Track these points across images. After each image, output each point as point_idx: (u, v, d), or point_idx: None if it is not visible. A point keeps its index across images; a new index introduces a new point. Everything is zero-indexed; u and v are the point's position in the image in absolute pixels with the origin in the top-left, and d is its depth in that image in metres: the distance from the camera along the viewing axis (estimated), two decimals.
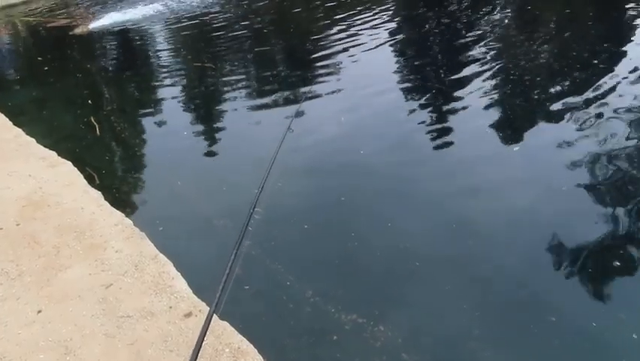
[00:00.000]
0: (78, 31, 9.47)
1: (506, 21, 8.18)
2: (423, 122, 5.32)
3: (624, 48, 6.40)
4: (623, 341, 2.72)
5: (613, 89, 5.33)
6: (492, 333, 2.89)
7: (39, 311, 2.66)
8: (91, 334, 2.52)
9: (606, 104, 5.06)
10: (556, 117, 4.96)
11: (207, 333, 2.46)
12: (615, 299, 3.03)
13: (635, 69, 5.71)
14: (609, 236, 3.49)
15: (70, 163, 4.07)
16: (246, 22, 9.40)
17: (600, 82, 5.56)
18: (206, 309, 2.63)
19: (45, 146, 4.47)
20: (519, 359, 2.70)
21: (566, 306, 2.99)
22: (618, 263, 3.26)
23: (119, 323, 2.57)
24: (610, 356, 2.69)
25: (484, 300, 3.13)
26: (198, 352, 2.07)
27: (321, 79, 6.60)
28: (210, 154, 5.22)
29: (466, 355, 2.80)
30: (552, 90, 5.57)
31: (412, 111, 5.56)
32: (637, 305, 2.94)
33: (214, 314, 2.58)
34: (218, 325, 2.52)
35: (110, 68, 8.20)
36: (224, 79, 7.12)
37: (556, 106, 5.15)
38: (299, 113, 5.69)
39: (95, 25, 9.83)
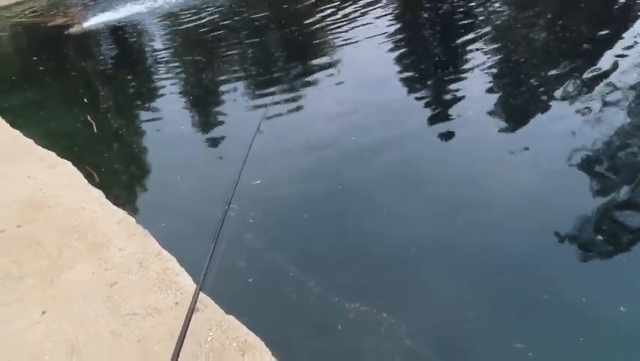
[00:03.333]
0: (73, 30, 9.26)
1: (503, 5, 8.05)
2: (419, 109, 5.24)
3: (620, 29, 6.29)
4: (612, 315, 2.72)
5: (610, 71, 5.24)
6: (488, 315, 2.88)
7: (43, 312, 2.58)
8: (96, 333, 2.45)
9: (605, 85, 4.98)
10: (554, 102, 4.88)
11: (214, 327, 2.43)
12: (603, 275, 3.03)
13: (632, 49, 5.62)
14: (599, 215, 3.47)
15: (69, 163, 3.96)
16: (238, 15, 9.22)
17: (598, 65, 5.48)
18: (211, 303, 2.56)
19: (43, 146, 4.35)
20: (513, 339, 2.67)
21: (556, 284, 2.99)
22: (602, 238, 3.26)
23: (124, 320, 2.49)
24: (600, 330, 2.69)
25: (479, 283, 3.11)
26: (183, 339, 2.01)
27: (313, 67, 6.50)
28: (208, 147, 5.12)
29: (464, 337, 2.78)
30: (550, 74, 5.48)
31: (409, 99, 5.47)
32: (624, 280, 2.95)
33: (205, 306, 2.55)
34: (225, 319, 2.46)
35: (105, 66, 8.05)
36: (218, 71, 7.01)
37: (554, 91, 5.06)
38: (289, 100, 5.60)
39: (89, 23, 9.62)
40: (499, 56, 6.16)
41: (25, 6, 11.33)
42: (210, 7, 9.89)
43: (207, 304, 2.54)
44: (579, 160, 4.02)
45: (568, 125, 4.46)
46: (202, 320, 2.44)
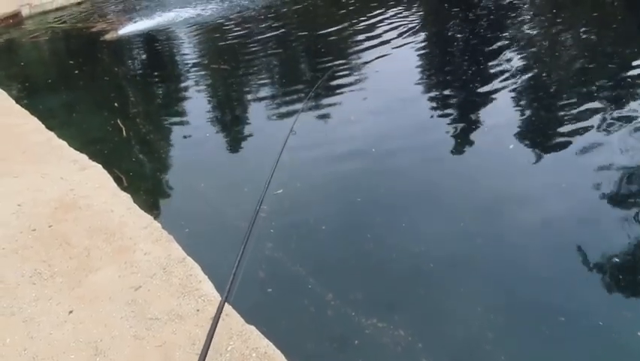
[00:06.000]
0: (108, 36, 9.39)
1: (533, 22, 7.95)
2: (441, 122, 5.20)
3: None
4: (629, 340, 2.67)
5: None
6: (505, 336, 2.85)
7: (70, 312, 2.58)
8: (120, 335, 2.44)
9: (634, 106, 4.90)
10: (583, 123, 4.80)
11: (234, 337, 2.41)
12: (620, 299, 3.00)
13: None
14: (618, 239, 3.41)
15: (100, 166, 3.99)
16: (267, 26, 9.27)
17: (629, 86, 5.39)
18: (232, 312, 2.54)
19: (75, 148, 4.40)
20: None
21: (574, 306, 2.95)
22: (618, 260, 3.21)
23: (147, 324, 2.49)
24: (617, 355, 2.64)
25: (497, 302, 3.08)
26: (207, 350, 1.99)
27: (337, 80, 6.47)
28: (232, 155, 5.15)
29: (482, 359, 2.72)
30: (579, 94, 5.42)
31: (432, 111, 5.44)
32: None
33: (230, 316, 2.52)
34: (245, 329, 2.43)
35: (136, 72, 8.15)
36: (244, 80, 7.01)
37: (583, 112, 5.00)
38: (312, 110, 5.59)
39: (124, 31, 9.76)
40: (526, 73, 6.09)
41: (65, 11, 11.55)
42: (242, 17, 9.95)
43: (228, 312, 2.52)
44: (601, 182, 3.95)
45: (594, 146, 4.40)
46: (223, 328, 2.42)
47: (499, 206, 3.86)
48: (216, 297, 2.62)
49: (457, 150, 4.72)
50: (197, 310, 2.55)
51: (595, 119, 4.80)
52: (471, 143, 4.78)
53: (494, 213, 3.80)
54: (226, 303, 2.57)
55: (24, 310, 2.59)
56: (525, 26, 7.80)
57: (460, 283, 3.19)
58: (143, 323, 2.50)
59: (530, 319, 2.90)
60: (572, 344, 2.73)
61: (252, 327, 2.44)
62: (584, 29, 7.47)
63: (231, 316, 2.51)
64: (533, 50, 6.86)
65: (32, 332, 2.46)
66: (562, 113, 5.06)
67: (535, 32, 7.59)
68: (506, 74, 6.04)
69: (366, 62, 6.90)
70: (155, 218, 3.37)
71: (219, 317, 2.33)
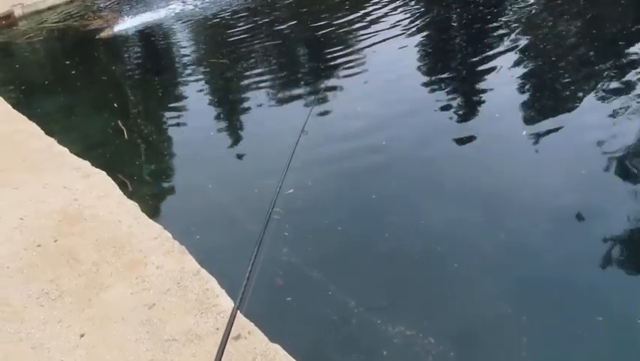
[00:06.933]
0: (103, 34, 9.12)
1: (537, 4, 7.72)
2: (449, 109, 5.01)
3: None
4: None
5: None
6: (541, 340, 2.67)
7: (82, 335, 2.41)
8: (136, 360, 2.27)
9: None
10: (588, 103, 4.63)
11: (258, 357, 2.23)
12: None
13: None
14: None
15: (104, 173, 3.79)
16: (265, 19, 8.98)
17: (633, 63, 5.20)
18: (254, 329, 2.36)
19: (76, 154, 4.20)
20: None
21: (610, 305, 2.77)
22: None
23: (164, 347, 2.31)
24: None
25: (528, 302, 2.90)
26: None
27: (340, 69, 6.26)
28: (238, 154, 4.94)
29: None
30: (582, 73, 5.26)
31: (437, 99, 5.24)
32: None
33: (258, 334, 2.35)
34: (270, 348, 2.26)
35: (134, 70, 7.90)
36: (244, 75, 6.76)
37: (587, 91, 4.82)
38: (319, 102, 5.40)
39: (120, 27, 9.48)
40: (528, 54, 5.88)
41: (58, 10, 11.22)
42: (238, 10, 9.65)
43: (250, 330, 2.34)
44: (617, 165, 3.77)
45: (604, 127, 4.23)
46: (246, 348, 2.25)
47: (519, 196, 3.68)
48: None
49: (470, 138, 4.52)
50: (217, 329, 2.37)
51: (603, 99, 4.65)
52: (483, 131, 4.58)
53: (516, 204, 3.62)
54: (247, 319, 2.40)
55: (32, 335, 2.41)
56: (529, 5, 7.55)
57: (489, 284, 3.04)
58: (159, 345, 2.32)
59: (567, 320, 2.74)
60: (612, 346, 2.58)
61: (277, 346, 2.27)
62: (588, 9, 7.22)
63: (254, 333, 2.34)
64: (538, 31, 6.63)
65: (42, 359, 2.29)
66: (566, 91, 4.90)
67: (538, 12, 7.34)
68: (513, 58, 5.82)
69: (372, 53, 6.66)
70: (164, 227, 3.18)
71: (229, 335, 2.13)
